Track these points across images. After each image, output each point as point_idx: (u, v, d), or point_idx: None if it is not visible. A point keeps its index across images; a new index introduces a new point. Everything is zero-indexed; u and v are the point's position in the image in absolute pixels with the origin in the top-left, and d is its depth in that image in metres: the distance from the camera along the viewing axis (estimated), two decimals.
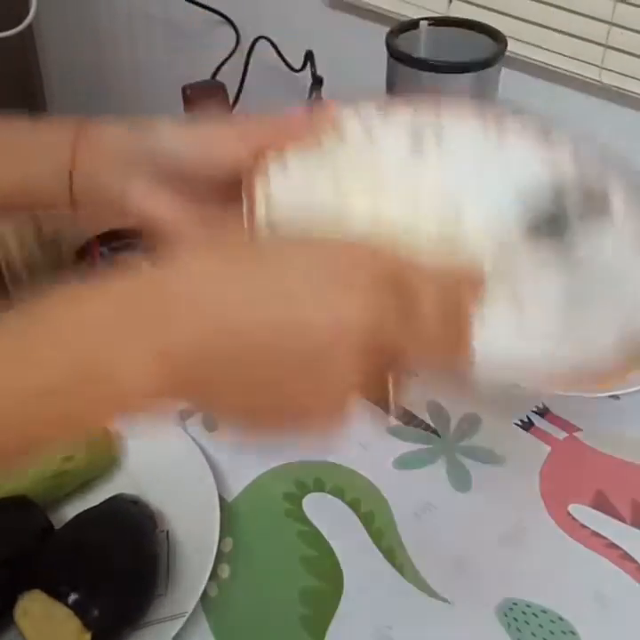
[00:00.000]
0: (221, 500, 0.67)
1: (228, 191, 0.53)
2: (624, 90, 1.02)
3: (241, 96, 1.35)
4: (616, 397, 0.77)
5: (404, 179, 0.55)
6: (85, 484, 0.68)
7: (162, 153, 0.54)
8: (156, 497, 0.67)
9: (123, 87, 1.77)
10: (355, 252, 0.41)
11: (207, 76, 1.39)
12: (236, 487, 0.70)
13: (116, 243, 0.90)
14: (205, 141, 0.54)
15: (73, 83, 1.89)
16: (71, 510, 0.66)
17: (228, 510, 0.68)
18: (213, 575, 0.62)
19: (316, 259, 0.40)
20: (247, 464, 0.72)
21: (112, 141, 0.56)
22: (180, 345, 0.37)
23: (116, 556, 0.58)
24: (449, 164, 0.56)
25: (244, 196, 0.50)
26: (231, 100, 1.23)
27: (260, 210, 0.49)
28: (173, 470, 0.69)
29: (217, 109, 1.17)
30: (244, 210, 0.49)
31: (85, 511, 0.62)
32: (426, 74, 0.89)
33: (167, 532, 0.65)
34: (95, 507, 0.62)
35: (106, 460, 0.69)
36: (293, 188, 0.52)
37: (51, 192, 0.56)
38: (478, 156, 0.57)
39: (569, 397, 0.73)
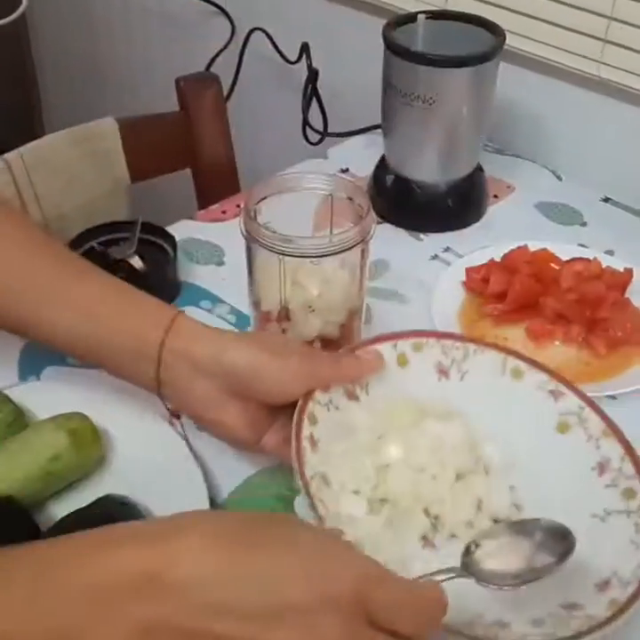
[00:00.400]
0: (211, 501, 0.66)
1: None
2: (623, 85, 1.01)
3: (236, 88, 1.33)
4: (613, 397, 0.76)
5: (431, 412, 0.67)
6: (72, 484, 0.67)
7: (234, 373, 0.62)
8: (144, 497, 0.65)
9: (117, 77, 1.75)
10: (341, 566, 0.43)
11: (202, 68, 1.37)
12: (225, 487, 0.69)
13: (107, 237, 0.89)
14: (274, 378, 0.62)
15: (67, 71, 1.87)
16: (58, 511, 0.64)
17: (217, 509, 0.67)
18: None
19: (307, 561, 0.43)
20: (237, 464, 0.71)
21: (197, 350, 0.63)
22: (163, 621, 0.40)
23: None
24: (469, 395, 0.68)
25: (295, 416, 0.61)
26: (226, 92, 1.21)
27: (306, 429, 0.60)
28: (162, 470, 0.68)
29: (211, 102, 1.16)
30: (294, 425, 0.60)
31: (73, 513, 0.61)
32: (423, 68, 0.88)
33: None
34: (83, 508, 0.61)
35: (93, 459, 0.67)
36: (335, 419, 0.64)
37: (133, 372, 0.66)
38: (494, 389, 0.69)
39: None
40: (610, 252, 0.96)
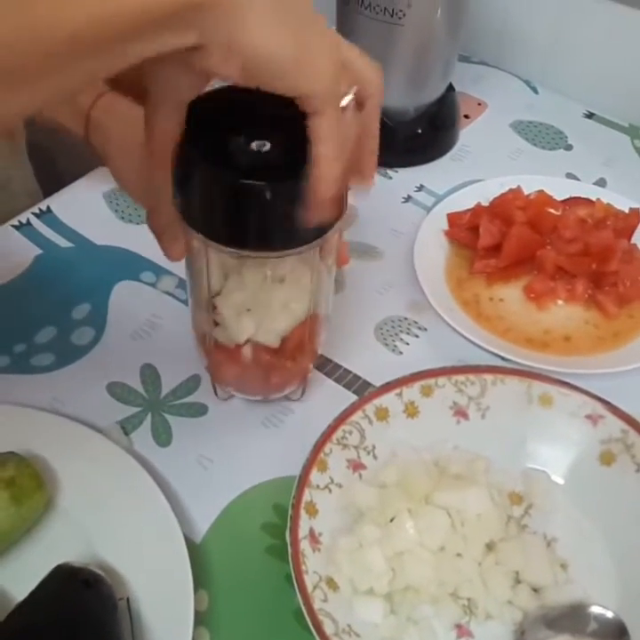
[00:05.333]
0: (187, 542, 0.55)
1: None
2: None
3: None
4: None
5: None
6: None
7: None
8: (105, 552, 0.54)
9: None
10: None
11: None
12: (201, 523, 0.58)
13: None
14: None
15: None
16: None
17: (197, 555, 0.56)
18: None
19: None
20: (212, 489, 0.59)
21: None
22: None
23: None
24: (494, 434, 0.60)
25: (289, 511, 0.53)
26: None
27: (304, 526, 0.53)
28: (123, 510, 0.56)
29: None
30: (289, 525, 0.52)
31: (18, 612, 0.47)
32: None
33: (127, 599, 0.52)
34: (31, 604, 0.47)
35: (39, 511, 0.55)
36: (338, 503, 0.56)
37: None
38: (522, 423, 0.60)
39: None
40: (601, 182, 0.85)
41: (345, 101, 0.42)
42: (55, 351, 0.68)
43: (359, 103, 0.44)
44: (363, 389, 0.65)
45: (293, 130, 0.41)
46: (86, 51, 0.35)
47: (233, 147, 0.44)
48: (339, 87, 0.41)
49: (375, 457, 0.59)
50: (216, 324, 0.55)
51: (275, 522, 0.58)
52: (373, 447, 0.59)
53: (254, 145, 0.44)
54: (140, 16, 0.35)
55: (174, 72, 0.41)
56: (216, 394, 0.64)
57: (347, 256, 0.57)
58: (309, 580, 0.50)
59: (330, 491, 0.56)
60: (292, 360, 0.59)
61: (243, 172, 0.43)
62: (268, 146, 0.44)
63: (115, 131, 0.61)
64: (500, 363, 0.66)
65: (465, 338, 0.68)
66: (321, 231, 0.47)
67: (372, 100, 0.44)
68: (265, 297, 0.53)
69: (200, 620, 0.53)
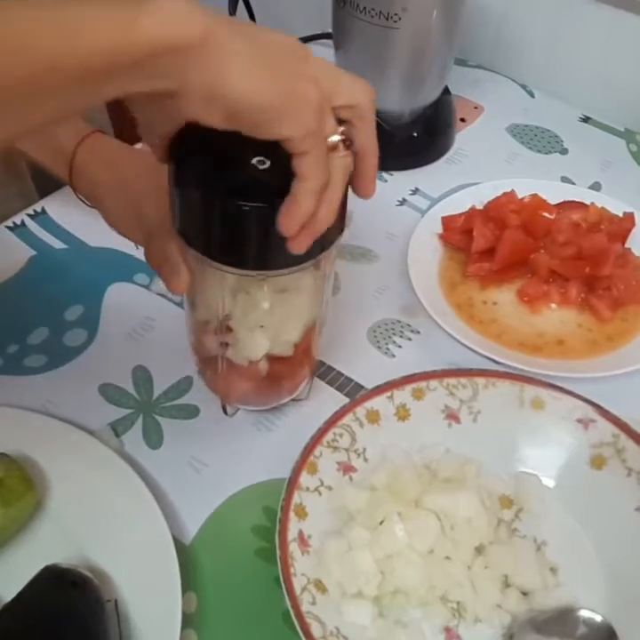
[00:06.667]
0: (176, 544, 0.55)
1: None
2: None
3: None
4: None
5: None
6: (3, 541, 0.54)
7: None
8: (94, 553, 0.54)
9: None
10: None
11: None
12: (191, 525, 0.58)
13: None
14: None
15: None
16: None
17: (186, 557, 0.56)
18: None
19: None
20: (203, 491, 0.59)
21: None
22: None
23: None
24: (486, 437, 0.59)
25: (278, 514, 0.53)
26: None
27: (293, 528, 0.53)
28: (112, 512, 0.56)
29: None
30: (277, 528, 0.53)
31: (5, 613, 0.47)
32: None
33: (115, 601, 0.52)
34: (19, 604, 0.48)
35: (27, 512, 0.55)
36: (328, 505, 0.56)
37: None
38: (513, 427, 0.60)
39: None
40: (596, 186, 0.85)
41: (333, 139, 0.42)
42: (47, 352, 0.68)
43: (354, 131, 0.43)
44: (355, 392, 0.65)
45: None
46: (52, 90, 0.34)
47: (229, 165, 0.43)
48: (320, 127, 0.40)
49: (366, 460, 0.59)
50: (226, 345, 0.55)
51: (264, 524, 0.58)
52: (364, 450, 0.59)
53: (254, 161, 0.43)
54: (111, 58, 0.34)
55: (154, 112, 0.41)
56: (225, 412, 0.64)
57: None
58: (298, 583, 0.50)
59: (319, 493, 0.56)
60: (301, 365, 0.59)
61: (239, 191, 0.42)
62: (266, 163, 0.43)
63: (103, 174, 0.60)
64: (492, 366, 0.66)
65: (458, 341, 0.68)
66: (322, 247, 0.47)
67: (363, 123, 0.44)
68: (276, 311, 0.53)
69: (188, 621, 0.53)
